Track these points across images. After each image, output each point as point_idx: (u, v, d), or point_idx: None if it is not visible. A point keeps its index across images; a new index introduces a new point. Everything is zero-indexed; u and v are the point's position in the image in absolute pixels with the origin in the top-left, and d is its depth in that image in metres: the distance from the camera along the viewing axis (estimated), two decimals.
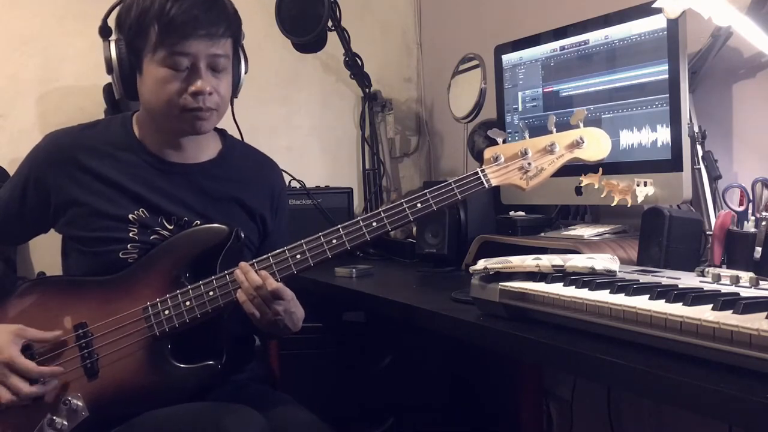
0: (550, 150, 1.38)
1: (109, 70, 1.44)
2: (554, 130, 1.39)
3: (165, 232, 1.46)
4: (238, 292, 1.35)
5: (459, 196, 1.38)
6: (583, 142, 1.37)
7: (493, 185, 1.38)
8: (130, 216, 1.45)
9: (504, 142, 1.42)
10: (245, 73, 1.50)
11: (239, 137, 1.67)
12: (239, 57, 1.48)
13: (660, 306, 0.98)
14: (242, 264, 1.36)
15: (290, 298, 1.39)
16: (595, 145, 1.38)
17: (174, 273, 1.41)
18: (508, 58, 1.99)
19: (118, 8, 1.43)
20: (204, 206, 1.50)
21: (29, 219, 1.51)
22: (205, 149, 1.54)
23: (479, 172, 1.38)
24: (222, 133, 1.60)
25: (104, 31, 1.45)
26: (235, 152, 1.59)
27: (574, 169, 1.43)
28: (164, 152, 1.50)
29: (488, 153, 1.40)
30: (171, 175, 1.50)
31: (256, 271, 1.35)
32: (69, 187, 1.46)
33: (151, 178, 1.48)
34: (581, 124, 1.38)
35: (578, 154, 1.38)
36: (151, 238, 1.45)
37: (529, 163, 1.38)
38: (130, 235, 1.44)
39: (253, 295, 1.34)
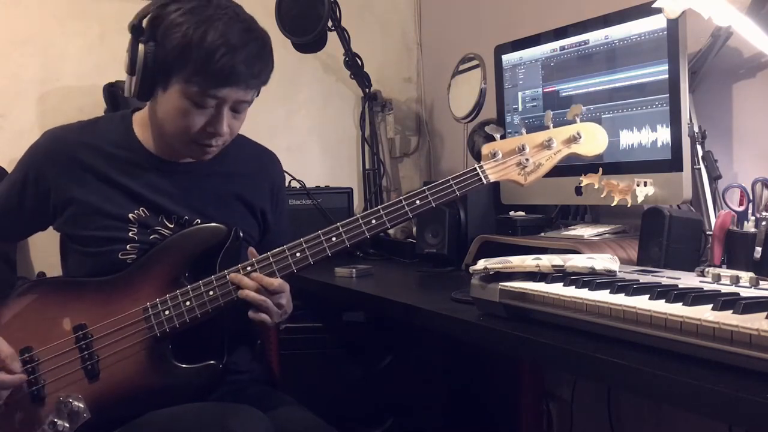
0: (547, 145, 1.39)
1: (132, 71, 1.39)
2: (551, 125, 1.40)
3: (165, 231, 1.46)
4: (243, 291, 1.36)
5: (457, 193, 1.38)
6: (580, 137, 1.38)
7: (491, 181, 1.39)
8: (130, 215, 1.45)
9: (501, 137, 1.42)
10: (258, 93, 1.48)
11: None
12: None
13: (660, 306, 0.98)
14: (254, 275, 1.37)
15: (288, 289, 1.40)
16: (592, 140, 1.39)
17: (173, 273, 1.41)
18: (508, 58, 1.99)
19: (155, 11, 1.37)
20: (204, 204, 1.50)
21: (28, 215, 1.51)
22: None
23: (477, 168, 1.39)
24: None
25: (136, 30, 1.39)
26: (234, 147, 1.59)
27: (574, 169, 1.43)
28: (164, 151, 1.50)
29: (486, 149, 1.41)
30: (171, 173, 1.50)
31: (250, 274, 1.36)
32: (68, 185, 1.46)
33: (150, 177, 1.48)
34: (578, 120, 1.39)
35: (575, 149, 1.39)
36: (151, 237, 1.45)
37: (527, 159, 1.39)
38: (130, 234, 1.44)
39: (265, 299, 1.35)
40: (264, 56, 1.40)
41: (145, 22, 1.38)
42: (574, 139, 1.38)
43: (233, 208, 1.54)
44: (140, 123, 1.51)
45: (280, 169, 1.68)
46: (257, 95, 1.48)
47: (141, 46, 1.37)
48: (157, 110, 1.43)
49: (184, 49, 1.33)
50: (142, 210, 1.46)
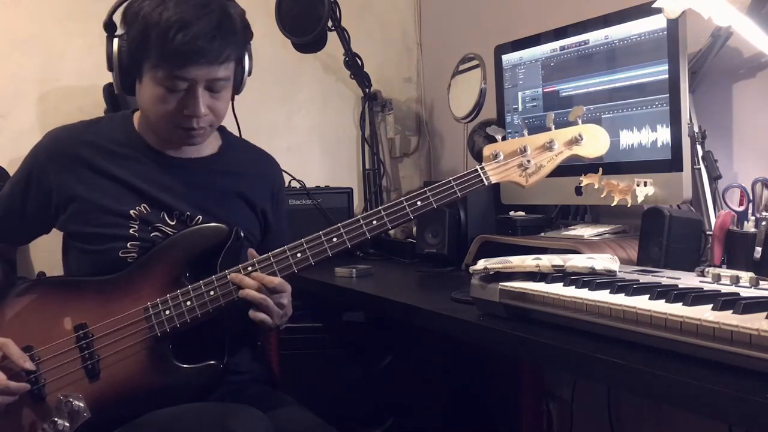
0: (549, 147, 1.39)
1: (110, 67, 1.44)
2: (553, 127, 1.40)
3: (167, 228, 1.46)
4: (244, 291, 1.35)
5: (459, 194, 1.38)
6: (582, 139, 1.38)
7: (492, 182, 1.39)
8: (132, 212, 1.45)
9: (503, 139, 1.42)
10: (249, 74, 1.50)
11: (238, 135, 1.68)
12: (243, 62, 1.46)
13: (660, 306, 0.98)
14: (255, 274, 1.37)
15: (290, 290, 1.40)
16: (594, 142, 1.39)
17: (174, 273, 1.41)
18: (508, 58, 1.99)
19: (125, 4, 1.41)
20: (206, 201, 1.50)
21: (31, 217, 1.51)
22: (205, 145, 1.54)
23: (479, 170, 1.39)
24: (221, 129, 1.60)
25: (109, 27, 1.43)
26: (235, 147, 1.60)
27: (574, 169, 1.43)
28: (165, 148, 1.50)
29: (487, 150, 1.41)
30: (172, 170, 1.50)
31: (250, 274, 1.36)
32: (71, 183, 1.46)
33: (152, 174, 1.48)
34: (579, 121, 1.39)
35: (577, 151, 1.39)
36: (152, 235, 1.45)
37: (529, 160, 1.39)
38: (131, 231, 1.44)
39: (265, 298, 1.35)
40: (225, 29, 1.36)
41: (115, 18, 1.41)
42: (575, 141, 1.38)
43: (235, 206, 1.54)
44: (140, 120, 1.52)
45: (279, 170, 1.68)
46: (249, 73, 1.48)
47: (114, 42, 1.40)
48: (140, 101, 1.44)
49: (144, 34, 1.34)
50: (144, 206, 1.46)
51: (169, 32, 1.31)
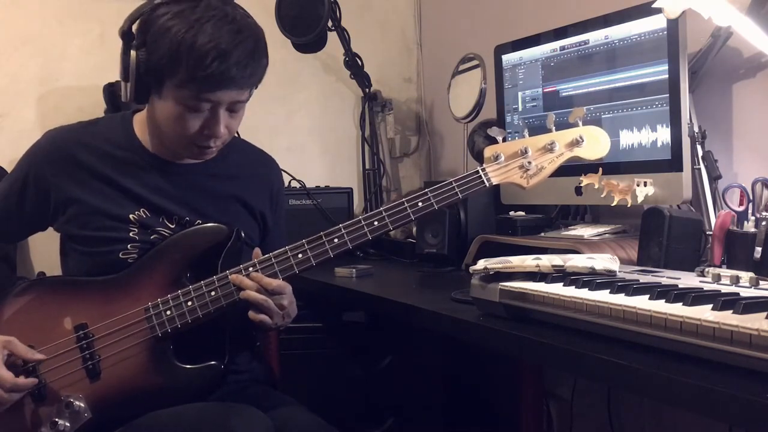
0: (549, 149, 1.39)
1: (125, 77, 1.39)
2: (554, 128, 1.40)
3: (166, 232, 1.46)
4: (244, 292, 1.35)
5: (460, 195, 1.38)
6: (583, 141, 1.38)
7: (493, 184, 1.39)
8: (131, 216, 1.45)
9: (504, 140, 1.43)
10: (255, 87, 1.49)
11: (236, 135, 1.67)
12: None
13: (660, 306, 0.98)
14: (254, 275, 1.37)
15: (290, 290, 1.40)
16: (595, 143, 1.39)
17: (175, 273, 1.41)
18: (508, 58, 1.99)
19: (145, 16, 1.36)
20: (205, 205, 1.50)
21: (28, 216, 1.51)
22: None
23: (480, 171, 1.39)
24: None
25: (127, 36, 1.38)
26: (234, 150, 1.60)
27: (574, 169, 1.44)
28: (164, 152, 1.50)
29: (488, 152, 1.41)
30: (171, 174, 1.50)
31: (250, 274, 1.36)
32: (69, 185, 1.46)
33: (151, 178, 1.48)
34: (580, 123, 1.39)
35: (578, 152, 1.39)
36: (152, 237, 1.45)
37: (530, 162, 1.39)
38: (131, 234, 1.44)
39: (266, 299, 1.35)
40: (257, 55, 1.36)
41: (134, 27, 1.37)
42: (576, 143, 1.38)
43: (233, 210, 1.54)
44: (140, 123, 1.51)
45: (278, 172, 1.68)
46: (256, 88, 1.47)
47: (132, 53, 1.37)
48: (155, 114, 1.43)
49: (174, 55, 1.32)
50: (143, 211, 1.46)
51: (205, 59, 1.29)
